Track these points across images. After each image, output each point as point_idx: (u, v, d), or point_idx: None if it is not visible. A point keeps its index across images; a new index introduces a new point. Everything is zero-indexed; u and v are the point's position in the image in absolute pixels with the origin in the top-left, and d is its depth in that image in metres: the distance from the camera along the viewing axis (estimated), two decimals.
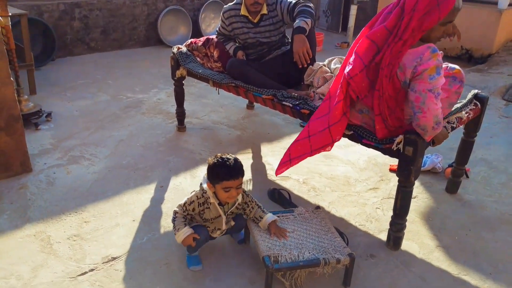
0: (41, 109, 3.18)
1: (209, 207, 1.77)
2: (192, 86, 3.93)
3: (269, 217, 1.84)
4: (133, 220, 2.16)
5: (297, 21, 2.37)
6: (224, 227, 1.82)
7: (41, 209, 2.21)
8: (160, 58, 5.04)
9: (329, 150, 1.95)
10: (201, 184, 1.83)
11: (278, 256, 1.68)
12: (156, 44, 5.58)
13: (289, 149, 1.97)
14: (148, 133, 3.10)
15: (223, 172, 1.68)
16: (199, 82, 3.71)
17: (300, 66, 2.35)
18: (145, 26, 5.45)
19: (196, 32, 5.68)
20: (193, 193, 1.82)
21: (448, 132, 1.93)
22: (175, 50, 2.87)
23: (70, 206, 2.24)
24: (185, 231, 1.75)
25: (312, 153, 1.91)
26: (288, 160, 1.96)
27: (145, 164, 2.69)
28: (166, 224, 2.13)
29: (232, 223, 1.86)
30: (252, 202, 1.85)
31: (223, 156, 1.73)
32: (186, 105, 3.15)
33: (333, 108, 1.86)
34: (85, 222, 2.13)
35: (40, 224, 2.10)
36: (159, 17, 5.40)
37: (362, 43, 1.81)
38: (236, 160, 1.74)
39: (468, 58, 5.32)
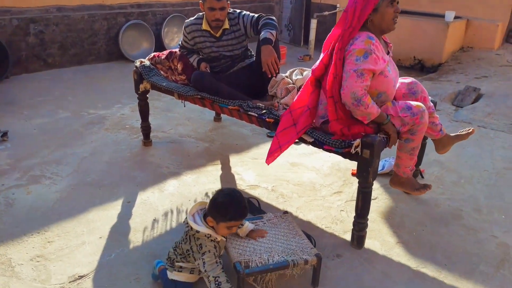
0: None
1: (219, 245, 1.72)
2: (157, 100, 3.92)
3: (249, 225, 1.89)
4: (100, 237, 2.12)
5: (262, 33, 2.45)
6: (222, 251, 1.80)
7: (0, 232, 2.13)
8: (123, 73, 5.00)
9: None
10: (197, 231, 1.68)
11: (249, 261, 1.73)
12: (117, 59, 5.52)
13: (276, 137, 2.08)
14: (112, 149, 3.06)
15: (234, 212, 1.65)
16: (164, 96, 3.73)
17: (270, 76, 2.43)
18: (106, 41, 5.39)
19: (159, 46, 5.68)
20: (205, 247, 1.66)
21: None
22: (138, 63, 2.88)
23: (32, 226, 2.17)
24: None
25: (298, 134, 2.05)
26: (278, 147, 2.06)
27: (111, 180, 2.65)
28: (135, 238, 2.12)
29: None
30: None
31: (233, 194, 1.68)
32: (151, 119, 3.15)
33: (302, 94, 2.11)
34: (48, 242, 2.07)
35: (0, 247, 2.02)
36: (120, 31, 5.36)
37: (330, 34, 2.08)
38: (243, 197, 1.70)
39: (420, 68, 5.68)
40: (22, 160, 2.85)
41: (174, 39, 6.00)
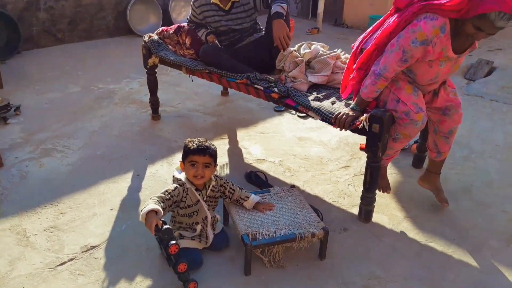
0: (9, 103, 3.11)
1: (188, 194, 1.77)
2: (165, 75, 3.91)
3: (255, 197, 1.91)
4: (111, 209, 2.16)
5: (273, 7, 2.41)
6: (208, 214, 1.81)
7: (15, 203, 2.18)
8: (131, 47, 4.98)
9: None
10: (173, 176, 1.83)
11: (256, 233, 1.75)
12: (125, 34, 5.49)
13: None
14: (122, 123, 3.09)
15: (191, 147, 1.74)
16: (172, 71, 3.71)
17: (282, 50, 2.41)
18: (114, 15, 5.34)
19: (167, 21, 5.61)
20: (171, 185, 1.78)
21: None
22: (146, 38, 2.86)
23: (45, 198, 2.22)
24: (149, 205, 1.58)
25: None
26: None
27: (120, 153, 2.68)
28: None
29: (211, 235, 1.86)
30: (228, 183, 1.89)
31: (197, 138, 1.80)
32: (159, 94, 3.14)
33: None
34: (61, 213, 2.12)
35: (15, 218, 2.08)
36: (128, 6, 5.30)
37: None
38: (208, 142, 1.79)
39: None
40: (34, 134, 2.89)
41: (181, 13, 5.91)
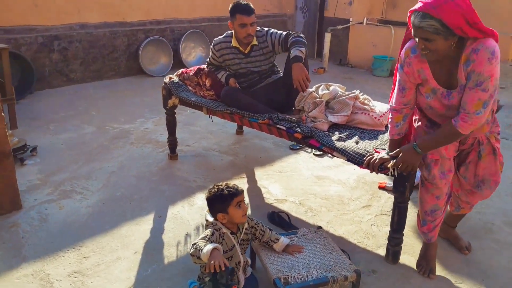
0: (26, 143, 3.13)
1: (224, 239, 1.76)
2: (178, 114, 3.94)
3: (284, 239, 1.90)
4: (135, 252, 2.14)
5: (292, 51, 2.51)
6: (242, 258, 1.81)
7: (36, 247, 2.16)
8: (143, 87, 5.07)
9: None
10: (207, 220, 1.83)
11: (288, 277, 1.72)
12: (137, 74, 5.61)
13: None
14: (139, 163, 3.10)
15: (229, 191, 1.75)
16: (185, 110, 3.78)
17: (301, 92, 2.49)
18: (126, 56, 5.49)
19: (177, 61, 5.77)
20: (207, 230, 1.76)
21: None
22: (167, 80, 2.94)
23: (67, 242, 2.20)
24: (210, 244, 1.58)
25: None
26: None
27: (140, 194, 2.68)
28: (169, 254, 2.13)
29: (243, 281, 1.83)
30: (259, 224, 1.89)
31: (216, 185, 1.80)
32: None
33: None
34: (84, 257, 2.10)
35: (37, 263, 2.04)
36: (139, 47, 5.46)
37: None
38: (225, 185, 1.81)
39: None
40: (52, 175, 2.90)
41: (191, 54, 6.09)
